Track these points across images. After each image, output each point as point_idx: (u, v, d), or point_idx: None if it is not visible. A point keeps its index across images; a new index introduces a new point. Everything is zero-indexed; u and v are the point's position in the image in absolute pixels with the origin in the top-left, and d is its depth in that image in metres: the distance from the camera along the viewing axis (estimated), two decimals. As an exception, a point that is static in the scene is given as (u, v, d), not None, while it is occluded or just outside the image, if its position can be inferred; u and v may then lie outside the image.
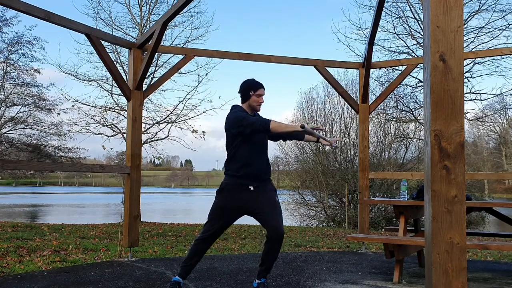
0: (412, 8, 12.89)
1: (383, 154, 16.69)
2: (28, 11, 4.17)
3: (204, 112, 14.43)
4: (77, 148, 16.30)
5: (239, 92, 3.61)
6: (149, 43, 5.05)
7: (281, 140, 3.99)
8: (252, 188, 3.41)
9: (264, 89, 3.56)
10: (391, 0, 12.92)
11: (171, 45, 12.70)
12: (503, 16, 12.08)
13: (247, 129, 3.30)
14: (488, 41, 12.49)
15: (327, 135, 17.23)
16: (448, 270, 2.00)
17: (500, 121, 36.26)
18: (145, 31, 12.28)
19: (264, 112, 3.68)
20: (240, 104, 3.59)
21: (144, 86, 5.52)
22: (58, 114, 15.68)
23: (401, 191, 4.53)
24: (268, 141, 3.68)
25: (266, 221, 3.36)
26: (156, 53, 7.03)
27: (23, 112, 15.84)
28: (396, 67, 11.81)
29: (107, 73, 12.92)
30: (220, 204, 3.44)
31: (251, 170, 3.41)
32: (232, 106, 3.61)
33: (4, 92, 15.25)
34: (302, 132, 3.29)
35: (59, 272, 4.31)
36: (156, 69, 13.67)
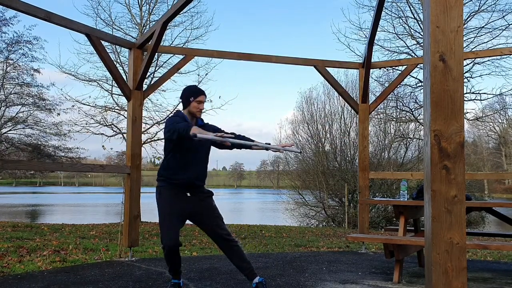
0: (412, 8, 12.90)
1: (383, 154, 16.69)
2: (28, 11, 4.17)
3: (204, 112, 14.45)
4: (77, 148, 16.33)
5: (180, 98, 3.55)
6: (149, 43, 5.05)
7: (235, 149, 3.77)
8: (189, 194, 3.39)
9: (205, 96, 3.50)
10: (391, 0, 12.93)
11: (171, 45, 12.71)
12: (503, 16, 12.10)
13: (174, 135, 3.20)
14: (488, 41, 12.51)
15: (326, 135, 17.24)
16: (448, 270, 2.00)
17: (500, 121, 36.32)
18: (145, 31, 12.28)
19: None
20: (182, 110, 3.54)
21: (144, 86, 5.52)
22: (58, 114, 15.71)
23: (401, 191, 4.54)
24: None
25: (207, 227, 3.43)
26: (156, 53, 7.03)
27: (23, 112, 15.87)
28: (396, 67, 11.81)
29: (107, 73, 12.92)
30: (166, 211, 3.34)
31: (184, 178, 3.37)
32: (175, 112, 3.57)
33: (4, 92, 15.26)
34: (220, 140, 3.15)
35: (59, 272, 4.31)
36: (156, 69, 13.68)
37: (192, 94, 3.47)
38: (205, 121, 3.65)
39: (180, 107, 3.67)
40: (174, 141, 3.29)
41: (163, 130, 3.42)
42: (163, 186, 3.42)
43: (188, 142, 3.28)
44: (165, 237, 3.28)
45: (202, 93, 3.50)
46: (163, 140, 3.50)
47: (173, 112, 3.58)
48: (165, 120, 14.41)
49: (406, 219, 4.28)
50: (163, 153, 3.57)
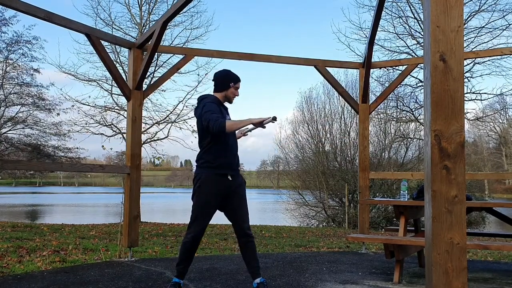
0: (412, 8, 12.89)
1: (383, 154, 16.69)
2: (28, 11, 4.17)
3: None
4: (77, 148, 16.29)
5: (214, 80, 3.55)
6: (149, 43, 5.05)
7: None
8: (230, 178, 3.41)
9: (240, 83, 3.59)
10: (391, 0, 12.93)
11: (171, 45, 12.71)
12: (503, 16, 12.09)
13: (204, 123, 3.28)
14: (488, 41, 12.50)
15: (326, 135, 17.25)
16: (448, 270, 2.00)
17: (500, 121, 36.29)
18: (145, 31, 12.28)
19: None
20: (212, 93, 3.54)
21: (144, 86, 5.52)
22: (58, 114, 15.68)
23: (401, 191, 4.53)
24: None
25: (234, 217, 3.42)
26: (156, 53, 7.03)
27: (22, 112, 15.84)
28: (396, 67, 11.81)
29: (107, 73, 12.93)
30: (205, 200, 3.36)
31: (227, 160, 3.40)
32: (203, 97, 3.53)
33: (3, 92, 15.24)
34: (259, 125, 3.26)
35: (59, 272, 4.31)
36: (156, 69, 13.68)
37: (232, 80, 3.52)
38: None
39: (180, 106, 3.64)
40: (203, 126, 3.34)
41: (199, 115, 3.39)
42: (204, 172, 3.40)
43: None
44: (194, 225, 3.35)
45: (240, 79, 3.56)
46: (198, 128, 3.47)
47: (202, 98, 3.50)
48: (164, 119, 14.42)
49: (406, 219, 4.28)
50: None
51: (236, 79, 3.53)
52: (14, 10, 4.70)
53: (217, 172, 3.37)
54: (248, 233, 3.42)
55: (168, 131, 14.59)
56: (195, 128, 14.36)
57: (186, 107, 14.65)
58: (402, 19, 13.22)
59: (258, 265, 3.46)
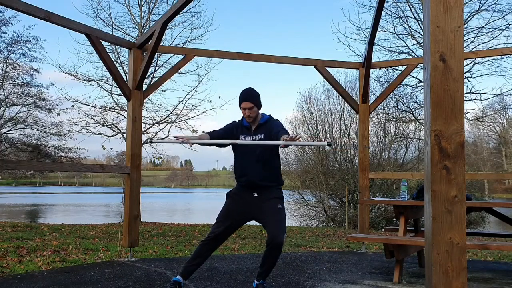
0: (412, 8, 12.89)
1: (383, 154, 16.69)
2: (28, 11, 4.17)
3: (204, 112, 14.46)
4: (77, 148, 16.29)
5: None
6: (149, 43, 5.05)
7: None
8: (256, 195, 3.49)
9: (247, 102, 3.43)
10: (391, 0, 12.93)
11: (171, 45, 12.70)
12: (503, 16, 12.09)
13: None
14: (488, 41, 12.50)
15: (326, 135, 17.23)
16: (448, 270, 2.00)
17: (500, 121, 36.27)
18: (145, 31, 12.28)
19: (265, 112, 3.66)
20: None
21: (144, 86, 5.52)
22: (58, 114, 15.68)
23: (401, 191, 4.53)
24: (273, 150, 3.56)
25: (266, 227, 3.42)
26: (156, 53, 7.03)
27: (23, 112, 15.84)
28: (396, 67, 11.81)
29: (107, 73, 12.90)
30: (227, 206, 3.55)
31: (247, 180, 3.50)
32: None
33: (4, 92, 15.24)
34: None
35: (59, 272, 4.31)
36: (156, 69, 13.66)
37: (239, 101, 3.52)
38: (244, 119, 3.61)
39: (180, 106, 3.76)
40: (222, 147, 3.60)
41: None
42: (236, 187, 3.64)
43: (242, 147, 3.49)
44: (213, 227, 3.54)
45: (243, 99, 3.47)
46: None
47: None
48: (164, 119, 14.45)
49: (406, 219, 4.28)
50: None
51: (240, 100, 3.49)
52: (14, 10, 4.71)
53: (242, 188, 3.56)
54: (272, 245, 3.31)
55: (168, 131, 14.59)
56: (195, 128, 14.43)
57: (186, 107, 14.65)
58: (402, 19, 13.22)
59: (269, 271, 3.50)
